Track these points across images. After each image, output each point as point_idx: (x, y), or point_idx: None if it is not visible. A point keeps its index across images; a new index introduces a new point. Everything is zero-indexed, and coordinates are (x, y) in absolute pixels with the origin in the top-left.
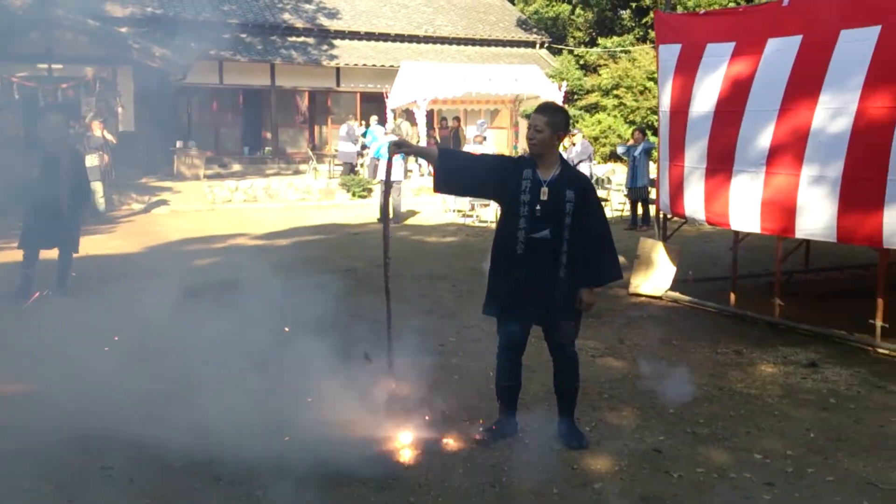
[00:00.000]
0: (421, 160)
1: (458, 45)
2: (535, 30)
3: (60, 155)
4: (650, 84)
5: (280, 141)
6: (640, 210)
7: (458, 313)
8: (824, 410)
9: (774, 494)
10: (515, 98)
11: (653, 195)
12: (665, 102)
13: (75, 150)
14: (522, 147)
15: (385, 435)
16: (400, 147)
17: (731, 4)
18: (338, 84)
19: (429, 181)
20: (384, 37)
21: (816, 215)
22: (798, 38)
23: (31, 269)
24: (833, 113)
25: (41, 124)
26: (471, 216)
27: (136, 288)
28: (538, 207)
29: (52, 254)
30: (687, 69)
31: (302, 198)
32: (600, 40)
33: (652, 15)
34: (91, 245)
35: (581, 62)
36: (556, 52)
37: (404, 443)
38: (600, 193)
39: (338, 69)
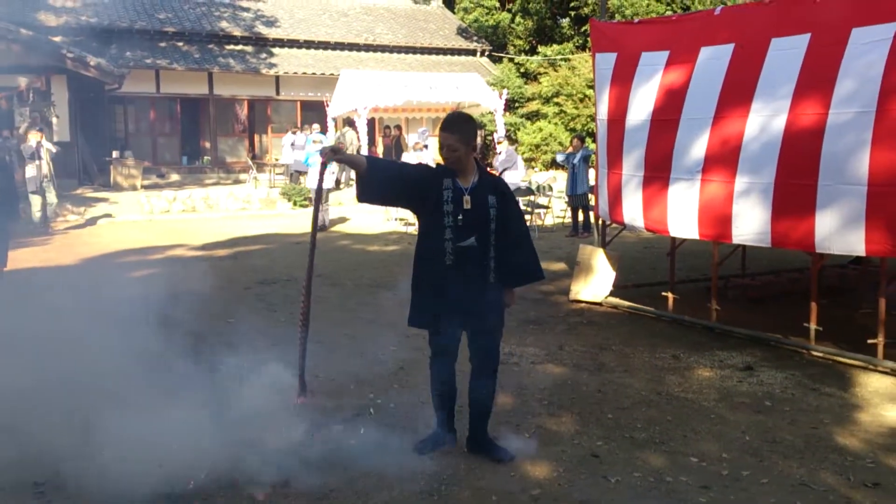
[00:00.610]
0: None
1: (399, 53)
2: (475, 38)
3: None
4: (590, 92)
5: (219, 150)
6: (580, 217)
7: (399, 322)
8: (759, 413)
9: (710, 497)
10: (457, 106)
11: (593, 202)
12: (602, 111)
13: (3, 162)
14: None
15: (320, 445)
16: (336, 153)
17: (669, 12)
18: (277, 93)
19: None
20: (324, 45)
21: (751, 221)
22: (730, 47)
23: None
24: (765, 120)
25: None
26: (413, 224)
27: (57, 301)
28: (460, 217)
29: None
30: (623, 78)
31: (242, 207)
32: (540, 48)
33: None
34: (23, 258)
35: (521, 70)
36: (497, 60)
37: (342, 453)
38: (542, 201)
39: (277, 78)
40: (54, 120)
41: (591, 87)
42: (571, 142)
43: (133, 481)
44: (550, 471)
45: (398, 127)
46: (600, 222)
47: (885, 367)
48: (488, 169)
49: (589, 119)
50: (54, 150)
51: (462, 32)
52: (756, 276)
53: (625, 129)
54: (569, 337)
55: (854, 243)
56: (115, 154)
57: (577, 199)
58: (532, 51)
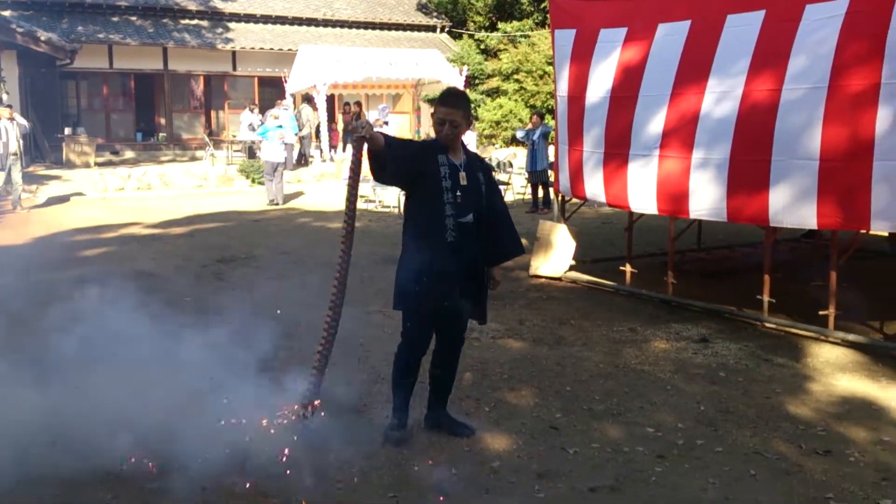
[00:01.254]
0: (323, 145)
1: (358, 28)
2: (435, 14)
3: None
4: (549, 68)
5: (175, 127)
6: (540, 193)
7: (360, 300)
8: (714, 384)
9: (665, 467)
10: (417, 82)
11: (552, 178)
12: (562, 87)
13: None
14: (426, 132)
15: (279, 426)
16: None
17: None
18: (234, 68)
19: (331, 167)
20: (281, 20)
21: (707, 196)
22: (687, 24)
23: None
24: (720, 96)
25: None
26: (374, 201)
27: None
28: (459, 192)
29: None
30: (582, 54)
31: (199, 185)
32: (500, 25)
33: None
34: None
35: (482, 47)
36: (457, 37)
37: (302, 433)
38: (502, 178)
39: (234, 53)
40: (4, 96)
41: (551, 63)
42: (531, 118)
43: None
44: (510, 443)
45: (358, 103)
46: (559, 198)
47: (836, 337)
48: None
49: (548, 96)
50: (27, 125)
51: (422, 8)
52: (711, 250)
53: (584, 105)
54: (528, 312)
55: (806, 217)
56: (67, 131)
57: (536, 176)
58: (492, 27)
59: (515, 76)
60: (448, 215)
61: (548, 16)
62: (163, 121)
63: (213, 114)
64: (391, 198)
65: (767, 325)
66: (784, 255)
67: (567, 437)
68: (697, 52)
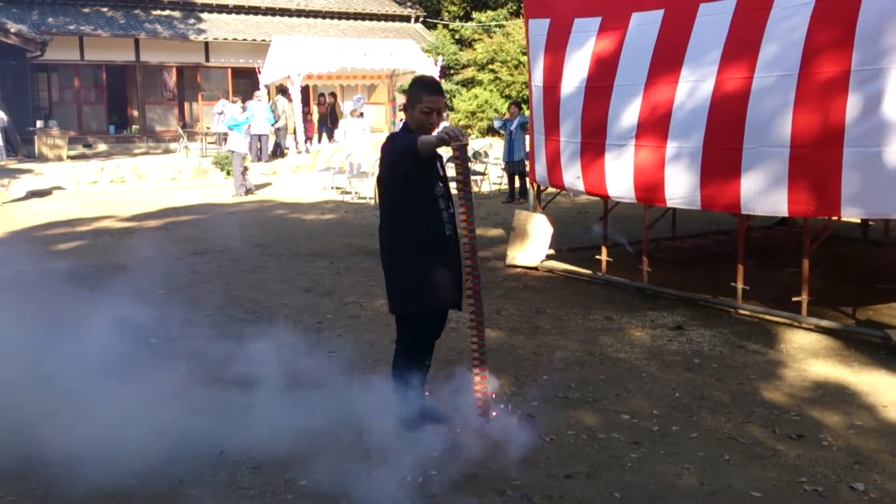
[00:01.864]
0: (299, 136)
1: (332, 19)
2: (409, 4)
3: None
4: (524, 58)
5: (148, 119)
6: (517, 183)
7: (336, 290)
8: (689, 370)
9: (641, 453)
10: (392, 73)
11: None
12: (537, 77)
13: None
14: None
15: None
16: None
17: None
18: (207, 59)
19: (306, 158)
20: (254, 10)
21: (682, 184)
22: (660, 13)
23: None
24: (693, 85)
25: None
26: (350, 193)
27: None
28: (441, 184)
29: None
30: (556, 44)
31: (173, 178)
32: (475, 15)
33: None
34: None
35: (456, 37)
36: (432, 27)
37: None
38: (478, 168)
39: (206, 44)
40: None
41: (525, 53)
42: (509, 108)
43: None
44: (486, 432)
45: (333, 94)
46: (535, 187)
47: (809, 323)
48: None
49: (524, 86)
50: (5, 118)
51: None
52: (686, 238)
53: (560, 95)
54: (505, 301)
55: (778, 204)
56: (39, 124)
57: (513, 166)
58: (466, 17)
59: (490, 66)
60: (442, 209)
61: (522, 5)
62: (136, 113)
63: (186, 105)
64: (367, 189)
65: (741, 311)
66: (757, 242)
67: (544, 425)
68: (671, 42)
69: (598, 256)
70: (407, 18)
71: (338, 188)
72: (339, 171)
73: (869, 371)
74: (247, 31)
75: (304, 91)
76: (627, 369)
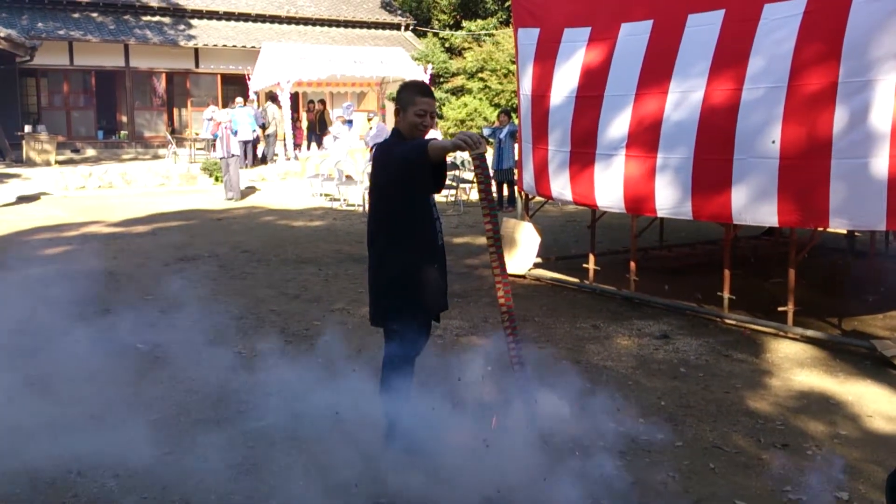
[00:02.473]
0: (288, 143)
1: (322, 26)
2: (399, 12)
3: None
4: (514, 67)
5: (137, 124)
6: (505, 191)
7: (323, 297)
8: (675, 379)
9: (626, 461)
10: (381, 81)
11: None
12: (526, 86)
13: None
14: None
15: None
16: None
17: None
18: (197, 65)
19: (295, 165)
20: (244, 17)
21: (672, 195)
22: (649, 24)
23: None
24: (683, 96)
25: None
26: (338, 200)
27: None
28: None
29: None
30: (546, 54)
31: (161, 183)
32: (465, 23)
33: None
34: None
35: (446, 45)
36: (422, 35)
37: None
38: (467, 176)
39: (196, 50)
40: None
41: (515, 62)
42: (498, 117)
43: None
44: (471, 439)
45: (322, 101)
46: (523, 196)
47: (795, 333)
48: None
49: (513, 94)
50: None
51: (386, 6)
52: (673, 247)
53: (549, 104)
54: (493, 309)
55: (767, 214)
56: (27, 129)
57: (502, 174)
58: (456, 25)
59: (480, 75)
60: (436, 218)
61: (511, 14)
62: (125, 118)
63: (175, 111)
64: (356, 196)
65: (727, 321)
66: (744, 252)
67: (529, 433)
68: (660, 52)
69: (585, 265)
70: (397, 26)
71: (326, 195)
72: (327, 178)
73: (854, 381)
74: (237, 37)
75: (294, 98)
76: (614, 378)
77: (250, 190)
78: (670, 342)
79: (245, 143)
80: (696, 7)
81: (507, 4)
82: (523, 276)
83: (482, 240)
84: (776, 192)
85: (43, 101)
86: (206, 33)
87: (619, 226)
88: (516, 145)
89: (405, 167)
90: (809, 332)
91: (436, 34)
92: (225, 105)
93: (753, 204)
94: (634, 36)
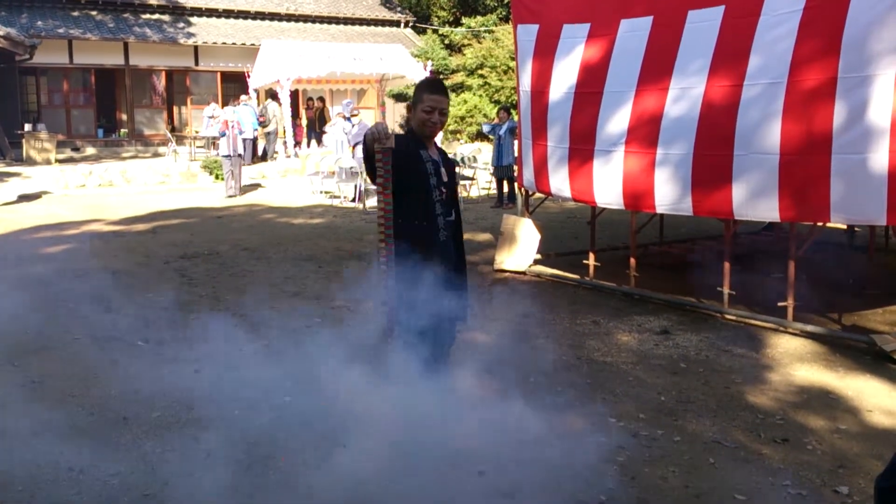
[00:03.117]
0: (288, 141)
1: (322, 23)
2: (398, 9)
3: None
4: (513, 63)
5: (137, 122)
6: (505, 188)
7: (323, 294)
8: (675, 374)
9: (627, 456)
10: (381, 78)
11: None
12: (525, 82)
13: None
14: (391, 127)
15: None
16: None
17: None
18: (196, 63)
19: (295, 163)
20: (244, 14)
21: (672, 191)
22: (649, 20)
23: None
24: (683, 92)
25: None
26: (338, 197)
27: None
28: (443, 189)
29: None
30: (545, 50)
31: (161, 181)
32: (464, 20)
33: None
34: None
35: (446, 42)
36: (421, 32)
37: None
38: (467, 172)
39: (196, 48)
40: None
41: (515, 58)
42: (498, 113)
43: None
44: (471, 436)
45: (321, 99)
46: (523, 192)
47: (795, 328)
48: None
49: (513, 91)
50: None
51: (386, 3)
52: (673, 243)
53: (548, 101)
54: (493, 306)
55: (768, 210)
56: (27, 127)
57: (502, 171)
58: (456, 22)
59: (480, 71)
60: (439, 214)
61: (511, 10)
62: (124, 116)
63: (175, 109)
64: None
65: (727, 316)
66: (744, 247)
67: (528, 429)
68: (660, 49)
69: (585, 261)
70: (396, 23)
71: (326, 192)
72: (328, 176)
73: (854, 376)
74: (236, 35)
75: (294, 95)
76: (614, 373)
77: (251, 187)
78: (670, 337)
79: (245, 140)
80: (696, 3)
81: (506, 1)
82: (524, 273)
83: (482, 236)
84: (776, 188)
85: (43, 99)
86: (205, 31)
87: (619, 222)
88: (516, 142)
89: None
90: (809, 328)
91: (435, 31)
92: (225, 103)
93: (754, 199)
94: (634, 32)
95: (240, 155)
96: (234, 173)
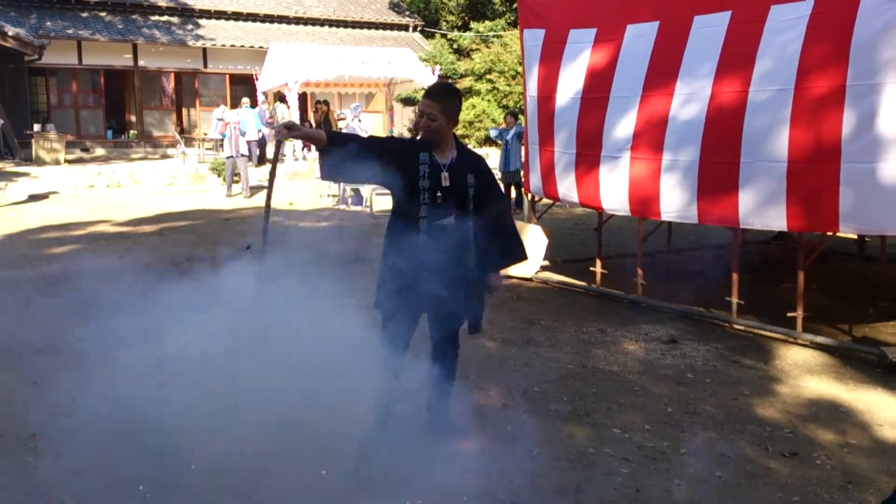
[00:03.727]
0: (296, 143)
1: (330, 27)
2: (407, 13)
3: None
4: (521, 68)
5: (146, 124)
6: (513, 193)
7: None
8: (682, 385)
9: (631, 468)
10: (389, 81)
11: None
12: (532, 87)
13: None
14: (399, 132)
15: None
16: (291, 130)
17: None
18: (205, 65)
19: (303, 165)
20: (252, 17)
21: (677, 198)
22: (655, 25)
23: None
24: (688, 98)
25: None
26: (337, 196)
27: None
28: (439, 193)
29: None
30: (552, 54)
31: (170, 183)
32: (473, 24)
33: None
34: None
35: (454, 46)
36: (430, 36)
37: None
38: None
39: (204, 50)
40: None
41: (522, 63)
42: (505, 119)
43: None
44: (475, 444)
45: (326, 102)
46: (531, 197)
47: (804, 339)
48: None
49: (521, 96)
50: (1, 121)
51: (394, 7)
52: (681, 251)
53: (555, 106)
54: (498, 312)
55: (776, 219)
56: (36, 127)
57: (510, 176)
58: (464, 27)
59: (488, 76)
60: (423, 216)
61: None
62: (133, 118)
63: (184, 111)
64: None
65: (736, 326)
66: (753, 256)
67: (532, 438)
68: (666, 54)
69: (592, 269)
70: (405, 27)
71: (334, 196)
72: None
73: (864, 389)
74: (245, 37)
75: (302, 98)
76: (620, 383)
77: (259, 189)
78: (678, 347)
79: (249, 142)
80: (703, 8)
81: (514, 6)
82: (530, 279)
83: None
84: (784, 196)
85: (52, 100)
86: (214, 33)
87: (626, 229)
88: (523, 147)
89: None
90: (819, 339)
91: (444, 35)
92: (234, 106)
93: (761, 208)
94: (640, 37)
95: (244, 156)
96: (240, 175)
